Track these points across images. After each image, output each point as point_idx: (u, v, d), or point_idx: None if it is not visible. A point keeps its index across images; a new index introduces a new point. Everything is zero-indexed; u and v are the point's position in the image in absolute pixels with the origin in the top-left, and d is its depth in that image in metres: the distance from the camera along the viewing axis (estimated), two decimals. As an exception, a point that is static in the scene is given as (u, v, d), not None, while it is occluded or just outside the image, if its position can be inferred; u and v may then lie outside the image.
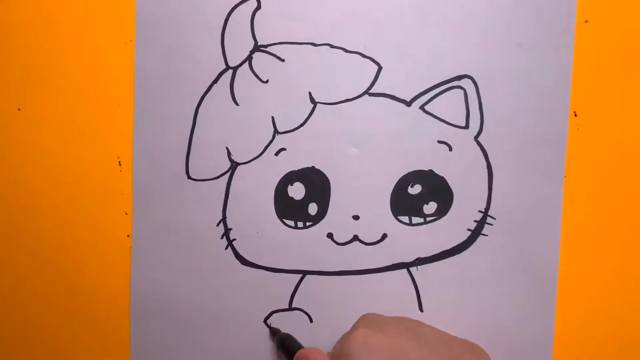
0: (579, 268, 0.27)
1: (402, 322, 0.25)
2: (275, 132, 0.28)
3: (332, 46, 0.27)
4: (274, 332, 0.28)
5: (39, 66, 0.29)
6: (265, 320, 0.29)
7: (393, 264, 0.28)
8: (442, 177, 0.27)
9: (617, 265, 0.27)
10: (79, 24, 0.28)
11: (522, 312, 0.27)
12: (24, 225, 0.29)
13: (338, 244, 0.28)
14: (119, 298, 0.29)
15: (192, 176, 0.28)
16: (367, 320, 0.25)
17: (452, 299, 0.28)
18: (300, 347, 0.27)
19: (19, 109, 0.29)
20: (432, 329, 0.25)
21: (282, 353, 0.27)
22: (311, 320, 0.29)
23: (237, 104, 0.28)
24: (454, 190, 0.28)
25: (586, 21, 0.27)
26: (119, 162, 0.29)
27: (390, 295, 0.28)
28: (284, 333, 0.28)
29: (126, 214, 0.29)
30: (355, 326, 0.25)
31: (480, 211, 0.27)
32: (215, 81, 0.28)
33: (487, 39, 0.27)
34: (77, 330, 0.30)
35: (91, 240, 0.29)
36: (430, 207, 0.28)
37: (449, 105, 0.27)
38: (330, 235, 0.28)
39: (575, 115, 0.27)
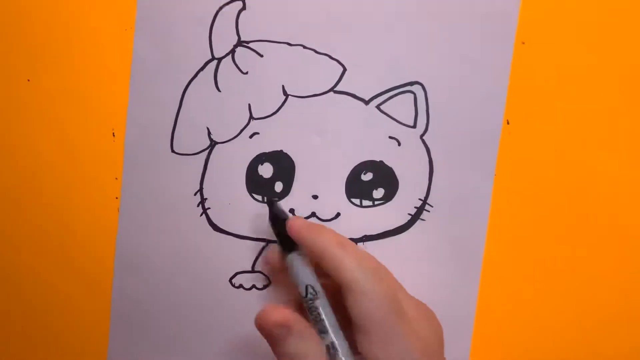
0: (501, 254, 0.32)
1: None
2: (251, 117, 0.32)
3: (304, 47, 0.32)
4: (270, 203, 0.31)
5: (48, 44, 0.33)
6: (230, 280, 0.33)
7: (343, 239, 0.32)
8: (391, 168, 0.32)
9: (535, 252, 0.32)
10: (85, 11, 0.32)
11: (449, 289, 0.32)
12: (25, 183, 0.33)
13: (298, 218, 0.33)
14: (105, 252, 0.33)
15: (176, 150, 0.33)
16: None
17: (392, 272, 0.32)
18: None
19: (28, 80, 0.33)
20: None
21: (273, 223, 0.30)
22: (270, 282, 0.33)
23: (219, 90, 0.32)
24: (399, 180, 0.32)
25: (523, 42, 0.31)
26: (113, 133, 0.33)
27: (339, 266, 0.32)
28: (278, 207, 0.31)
29: (116, 178, 0.33)
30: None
31: (420, 199, 0.32)
32: (202, 69, 0.32)
33: (437, 51, 0.31)
34: (63, 278, 0.34)
35: (84, 199, 0.33)
36: (378, 193, 0.32)
37: (401, 106, 0.31)
38: (292, 211, 0.33)
39: (508, 123, 0.32)
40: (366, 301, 0.25)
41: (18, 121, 0.33)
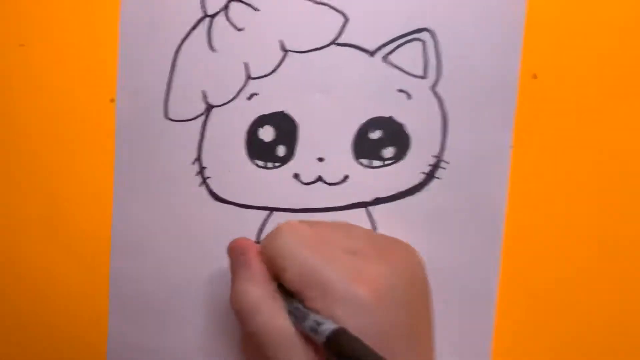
0: (525, 211, 0.30)
1: (334, 222, 0.27)
2: (248, 77, 0.30)
3: (302, -2, 0.29)
4: None
5: (40, 8, 0.31)
6: (234, 252, 0.31)
7: (353, 203, 0.30)
8: (401, 124, 0.30)
9: (562, 208, 0.30)
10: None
11: (470, 251, 0.30)
12: (18, 152, 0.32)
13: (303, 183, 0.30)
14: (101, 227, 0.32)
15: (171, 117, 0.31)
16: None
17: (406, 237, 0.30)
18: None
19: (21, 45, 0.31)
20: (359, 227, 0.27)
21: None
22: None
23: (213, 50, 0.30)
24: (411, 136, 0.30)
25: None
26: (112, 99, 0.31)
27: (349, 232, 0.30)
28: None
29: (114, 147, 0.31)
30: None
31: (434, 156, 0.30)
32: (194, 28, 0.30)
33: (446, -6, 0.29)
34: (58, 258, 0.32)
35: (79, 169, 0.31)
36: (389, 151, 0.30)
37: (409, 56, 0.29)
38: (296, 176, 0.30)
39: (535, 78, 0.29)
40: (288, 265, 0.23)
41: (11, 87, 0.31)
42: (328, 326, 0.21)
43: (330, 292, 0.22)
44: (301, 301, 0.23)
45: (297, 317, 0.23)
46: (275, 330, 0.23)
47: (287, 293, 0.24)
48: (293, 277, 0.23)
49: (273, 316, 0.23)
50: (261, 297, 0.24)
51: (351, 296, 0.22)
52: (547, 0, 0.29)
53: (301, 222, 0.26)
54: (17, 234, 0.32)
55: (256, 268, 0.24)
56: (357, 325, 0.21)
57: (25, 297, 0.33)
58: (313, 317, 0.22)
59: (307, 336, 0.23)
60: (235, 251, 0.25)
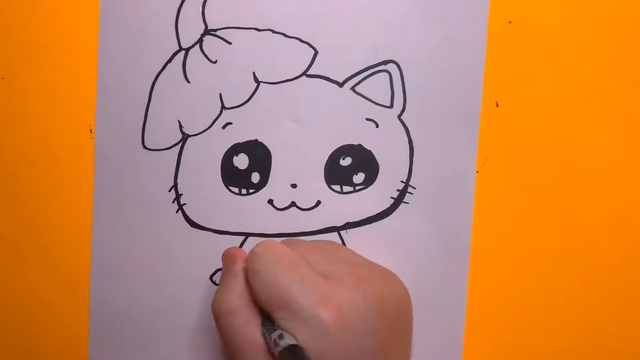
0: (490, 234, 0.31)
1: (318, 244, 0.28)
2: (223, 107, 0.31)
3: (273, 31, 0.31)
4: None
5: (21, 41, 0.32)
6: (210, 277, 0.32)
7: (326, 227, 0.31)
8: (370, 151, 0.31)
9: (525, 232, 0.31)
10: (53, 8, 0.32)
11: (437, 272, 0.31)
12: (2, 178, 0.33)
13: (277, 209, 0.31)
14: (81, 253, 0.32)
15: (147, 146, 0.32)
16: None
17: (376, 259, 0.31)
18: None
19: (2, 78, 0.32)
20: (348, 251, 0.28)
21: None
22: (252, 277, 0.32)
23: (188, 81, 0.31)
24: (379, 163, 0.31)
25: (510, 22, 0.30)
26: (91, 129, 0.32)
27: (322, 256, 0.31)
28: None
29: (92, 177, 0.32)
30: None
31: (402, 181, 0.31)
32: (169, 61, 0.31)
33: (411, 29, 0.30)
34: (38, 284, 0.33)
35: (60, 195, 0.32)
36: (359, 177, 0.31)
37: (376, 86, 0.30)
38: (270, 202, 0.31)
39: (497, 106, 0.30)
40: (259, 285, 0.24)
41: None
42: (286, 341, 0.22)
43: (296, 314, 0.23)
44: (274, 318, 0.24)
45: (267, 329, 0.24)
46: (244, 338, 0.24)
47: None
48: (262, 297, 0.24)
49: (244, 325, 0.24)
50: (238, 306, 0.25)
51: (315, 320, 0.23)
52: (506, 32, 0.30)
53: (284, 241, 0.27)
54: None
55: (240, 278, 0.26)
56: (317, 349, 0.22)
57: (4, 322, 0.33)
58: (278, 331, 0.23)
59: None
60: (227, 258, 0.27)
